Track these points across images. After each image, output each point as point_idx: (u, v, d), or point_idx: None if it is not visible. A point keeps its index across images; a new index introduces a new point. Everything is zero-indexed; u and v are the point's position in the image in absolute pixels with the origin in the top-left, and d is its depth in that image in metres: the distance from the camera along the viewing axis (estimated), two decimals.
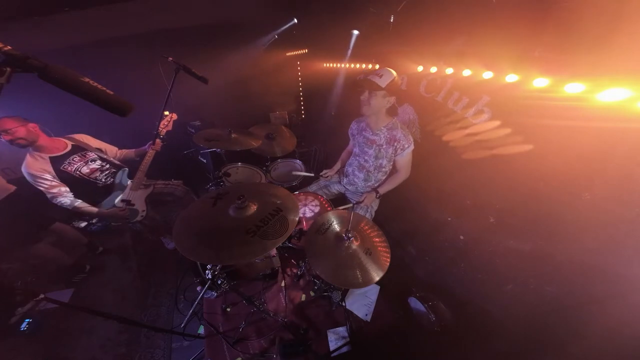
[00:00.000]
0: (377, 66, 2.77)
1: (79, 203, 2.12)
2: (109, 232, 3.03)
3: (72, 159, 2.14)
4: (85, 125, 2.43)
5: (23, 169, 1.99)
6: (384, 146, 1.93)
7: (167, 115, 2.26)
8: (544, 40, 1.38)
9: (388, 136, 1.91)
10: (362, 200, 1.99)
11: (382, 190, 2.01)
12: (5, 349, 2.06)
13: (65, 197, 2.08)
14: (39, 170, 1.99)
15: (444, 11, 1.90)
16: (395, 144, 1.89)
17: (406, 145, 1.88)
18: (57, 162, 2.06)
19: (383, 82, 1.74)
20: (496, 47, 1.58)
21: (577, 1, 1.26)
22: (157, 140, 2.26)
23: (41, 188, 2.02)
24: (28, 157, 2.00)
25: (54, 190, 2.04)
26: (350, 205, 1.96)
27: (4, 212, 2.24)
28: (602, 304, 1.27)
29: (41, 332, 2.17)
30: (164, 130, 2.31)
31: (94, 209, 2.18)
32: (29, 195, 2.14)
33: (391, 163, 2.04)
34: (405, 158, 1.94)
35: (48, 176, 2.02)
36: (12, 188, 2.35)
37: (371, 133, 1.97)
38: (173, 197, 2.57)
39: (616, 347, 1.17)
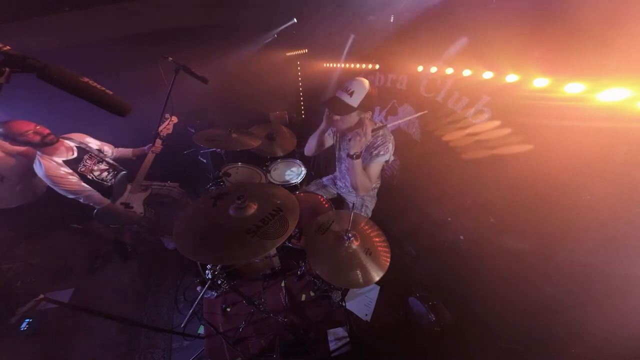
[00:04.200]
0: (376, 66, 2.77)
1: (107, 201, 2.11)
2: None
3: (85, 161, 2.08)
4: (84, 125, 2.43)
5: (43, 176, 1.85)
6: (364, 154, 1.78)
7: (167, 118, 2.25)
8: (544, 40, 1.38)
9: (368, 143, 1.73)
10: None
11: (352, 150, 1.67)
12: (5, 349, 2.06)
13: (96, 195, 2.04)
14: (62, 173, 1.89)
15: (444, 11, 1.90)
16: (373, 150, 1.73)
17: (381, 153, 1.67)
18: (72, 166, 1.98)
19: (355, 101, 1.49)
20: (496, 47, 1.58)
21: (577, 1, 1.26)
22: (157, 142, 2.25)
23: (68, 189, 1.91)
24: (45, 162, 1.85)
25: (83, 190, 1.96)
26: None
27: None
28: (602, 304, 1.27)
29: (41, 332, 2.17)
30: (164, 132, 2.29)
31: (121, 207, 2.20)
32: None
33: None
34: (374, 166, 1.72)
35: (74, 178, 1.94)
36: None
37: None
38: (169, 198, 2.57)
39: (616, 347, 1.17)
